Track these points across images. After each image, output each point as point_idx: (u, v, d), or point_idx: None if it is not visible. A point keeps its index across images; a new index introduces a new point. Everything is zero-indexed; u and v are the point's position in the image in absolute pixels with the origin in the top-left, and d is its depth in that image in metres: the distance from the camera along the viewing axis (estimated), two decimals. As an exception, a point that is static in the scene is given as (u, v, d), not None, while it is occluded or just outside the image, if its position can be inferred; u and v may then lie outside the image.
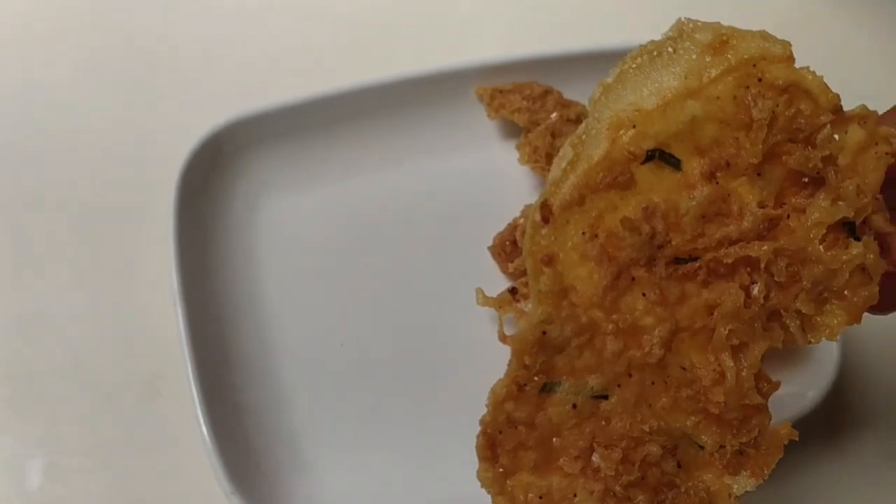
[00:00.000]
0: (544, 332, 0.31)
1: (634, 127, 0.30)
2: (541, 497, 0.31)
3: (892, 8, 0.54)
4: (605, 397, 0.31)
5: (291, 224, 0.46)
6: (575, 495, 0.31)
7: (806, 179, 0.30)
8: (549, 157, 0.46)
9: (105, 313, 0.45)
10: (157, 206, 0.43)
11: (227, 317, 0.44)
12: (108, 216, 0.47)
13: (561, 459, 0.31)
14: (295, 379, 0.43)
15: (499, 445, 0.31)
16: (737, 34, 0.30)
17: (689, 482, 0.31)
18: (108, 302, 0.45)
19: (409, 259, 0.46)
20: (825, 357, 0.44)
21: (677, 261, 0.30)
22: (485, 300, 0.41)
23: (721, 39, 0.30)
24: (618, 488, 0.30)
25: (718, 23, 0.30)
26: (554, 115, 0.48)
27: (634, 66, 0.31)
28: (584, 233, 0.31)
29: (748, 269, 0.30)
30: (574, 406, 0.31)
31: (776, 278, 0.30)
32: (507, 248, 0.46)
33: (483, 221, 0.46)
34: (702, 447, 0.31)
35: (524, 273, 0.43)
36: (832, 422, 0.47)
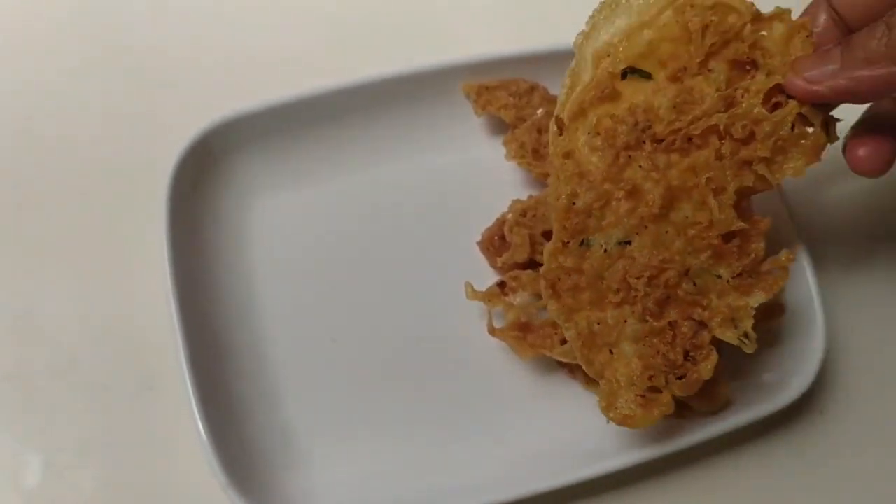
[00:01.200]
0: (574, 203, 0.39)
1: (609, 55, 0.41)
2: (598, 324, 0.39)
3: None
4: (629, 243, 0.39)
5: (282, 222, 0.47)
6: (626, 321, 0.39)
7: (749, 68, 0.40)
8: (536, 153, 0.47)
9: (98, 312, 0.46)
10: (149, 205, 0.44)
11: (220, 314, 0.44)
12: (100, 216, 0.48)
13: (609, 295, 0.39)
14: (288, 374, 0.44)
15: (559, 288, 0.40)
16: (669, -19, 0.42)
17: (714, 303, 0.39)
18: (102, 300, 0.46)
19: (399, 255, 0.47)
20: (810, 344, 0.44)
21: (661, 141, 0.40)
22: (474, 294, 0.44)
23: (658, -14, 0.42)
24: (650, 305, 0.39)
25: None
26: (540, 110, 0.48)
27: (602, 17, 0.42)
28: (588, 133, 0.40)
29: (717, 137, 0.40)
30: (605, 251, 0.39)
31: (736, 137, 0.39)
32: (495, 243, 0.47)
33: (472, 217, 0.47)
34: (720, 277, 0.39)
35: (512, 267, 0.46)
36: (818, 409, 0.47)
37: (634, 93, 0.40)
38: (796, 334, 0.45)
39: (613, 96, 0.40)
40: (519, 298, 0.44)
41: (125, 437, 0.43)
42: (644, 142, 0.39)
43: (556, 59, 0.47)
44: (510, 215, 0.46)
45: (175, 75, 0.51)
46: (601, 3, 0.41)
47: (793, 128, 0.38)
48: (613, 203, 0.39)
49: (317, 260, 0.47)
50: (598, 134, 0.39)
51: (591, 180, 0.39)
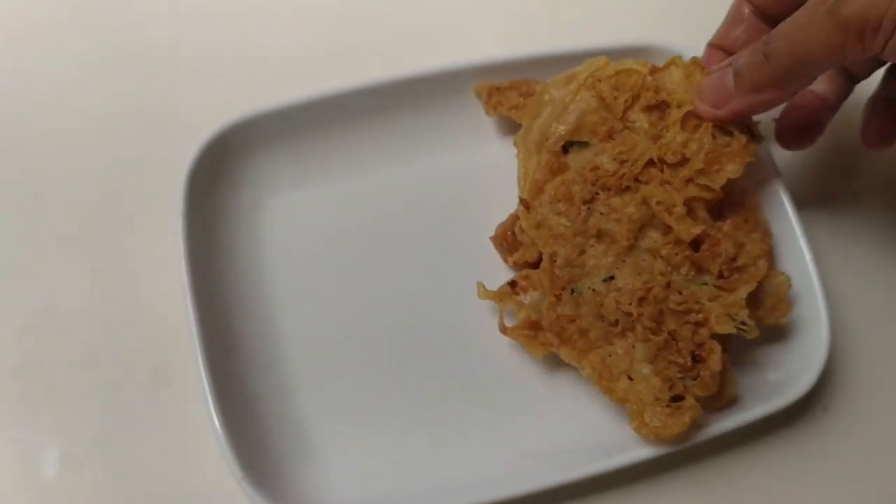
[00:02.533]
0: (555, 261, 0.45)
1: (548, 139, 0.48)
2: (610, 356, 0.43)
3: None
4: (613, 278, 0.44)
5: (297, 219, 0.48)
6: (634, 346, 0.43)
7: (663, 108, 0.47)
8: (546, 153, 0.46)
9: (115, 307, 0.47)
10: (165, 201, 0.44)
11: (236, 309, 0.46)
12: (116, 212, 0.49)
13: (611, 328, 0.43)
14: (301, 368, 0.45)
15: (565, 336, 0.44)
16: (575, 71, 0.49)
17: (708, 306, 0.43)
18: (119, 296, 0.47)
19: (412, 253, 0.48)
20: (814, 342, 0.45)
21: (611, 188, 0.46)
22: (485, 294, 0.46)
23: (568, 76, 0.49)
24: (647, 322, 0.42)
25: (566, 73, 0.50)
26: (549, 111, 0.47)
27: (531, 115, 0.49)
28: (551, 202, 0.47)
29: (657, 169, 0.46)
30: (593, 290, 0.44)
31: (671, 162, 0.45)
32: (508, 238, 0.48)
33: (484, 215, 0.48)
34: (706, 284, 0.44)
35: (524, 266, 0.47)
36: (822, 406, 0.48)
37: (578, 160, 0.47)
38: (800, 332, 0.46)
39: (562, 168, 0.47)
40: (529, 297, 0.45)
41: (141, 431, 0.44)
42: (598, 193, 0.45)
43: (565, 61, 0.49)
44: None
45: (193, 73, 0.52)
46: (527, 107, 0.49)
47: (715, 139, 0.45)
48: (588, 250, 0.45)
49: (331, 257, 0.48)
50: (559, 200, 0.46)
51: (564, 238, 0.45)
